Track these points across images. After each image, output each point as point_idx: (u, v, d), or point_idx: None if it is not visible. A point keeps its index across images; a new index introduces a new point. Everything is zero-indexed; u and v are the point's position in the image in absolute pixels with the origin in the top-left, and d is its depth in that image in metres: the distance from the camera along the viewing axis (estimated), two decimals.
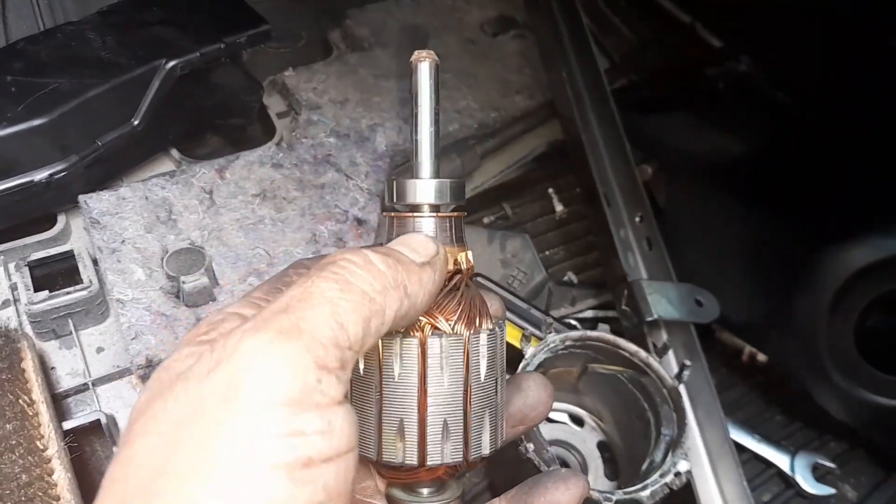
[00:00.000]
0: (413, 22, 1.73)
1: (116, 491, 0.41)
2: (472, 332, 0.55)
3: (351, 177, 1.32)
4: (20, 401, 0.92)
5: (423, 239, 0.54)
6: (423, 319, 0.54)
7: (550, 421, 1.26)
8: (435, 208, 0.57)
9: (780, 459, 1.28)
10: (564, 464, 1.22)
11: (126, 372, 1.13)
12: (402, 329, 0.54)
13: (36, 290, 1.11)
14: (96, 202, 1.20)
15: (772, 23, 1.51)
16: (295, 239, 1.22)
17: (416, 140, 0.57)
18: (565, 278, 1.49)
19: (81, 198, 1.21)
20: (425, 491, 0.58)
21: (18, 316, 1.14)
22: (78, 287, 1.13)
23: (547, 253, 1.51)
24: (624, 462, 1.21)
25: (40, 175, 1.17)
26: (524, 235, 1.42)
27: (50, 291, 1.11)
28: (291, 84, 1.54)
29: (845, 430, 1.28)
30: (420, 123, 0.57)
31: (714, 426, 1.16)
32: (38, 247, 1.23)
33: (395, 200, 0.58)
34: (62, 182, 1.19)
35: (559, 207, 1.58)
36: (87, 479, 0.92)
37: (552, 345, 1.09)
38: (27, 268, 1.14)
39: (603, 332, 1.12)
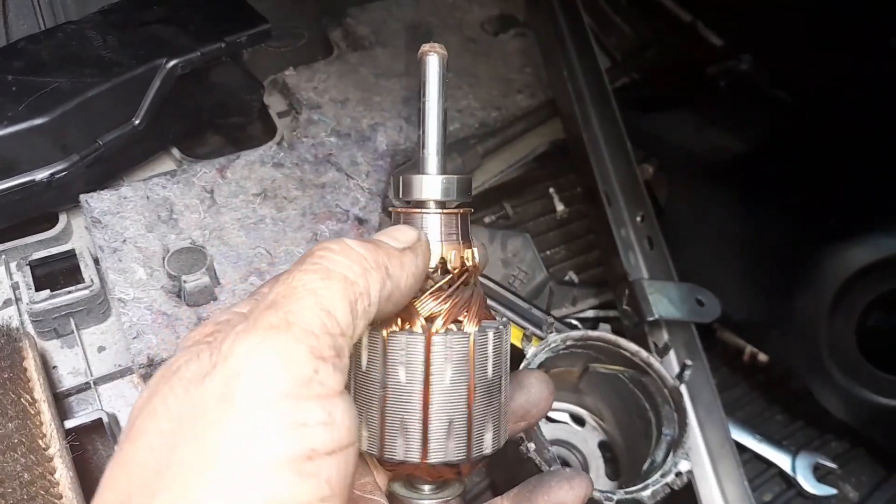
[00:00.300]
0: (414, 21, 1.73)
1: (117, 489, 0.41)
2: (478, 329, 0.55)
3: (352, 176, 1.32)
4: (22, 399, 0.92)
5: (403, 228, 0.55)
6: (428, 313, 0.54)
7: (551, 420, 1.26)
8: (441, 204, 0.57)
9: (781, 459, 1.28)
10: (565, 463, 1.22)
11: (127, 371, 1.13)
12: (396, 315, 0.54)
13: (37, 290, 1.11)
14: (97, 201, 1.21)
15: (772, 22, 1.51)
16: (296, 238, 1.22)
17: (424, 134, 0.57)
18: (566, 278, 1.49)
19: (83, 197, 1.21)
20: (426, 488, 0.58)
21: (20, 315, 1.14)
22: (79, 286, 1.13)
23: (548, 252, 1.51)
24: (625, 462, 1.21)
25: (41, 174, 1.17)
26: (525, 235, 1.42)
27: (51, 291, 1.11)
28: (292, 83, 1.54)
29: (846, 429, 1.28)
30: (428, 118, 0.56)
31: (715, 426, 1.16)
32: (40, 246, 1.23)
33: (400, 196, 0.58)
34: (63, 181, 1.19)
35: (560, 207, 1.58)
36: (89, 478, 0.92)
37: (553, 344, 1.09)
38: (28, 267, 1.14)
39: (604, 332, 1.12)
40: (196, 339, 0.47)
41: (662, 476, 0.97)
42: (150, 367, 1.05)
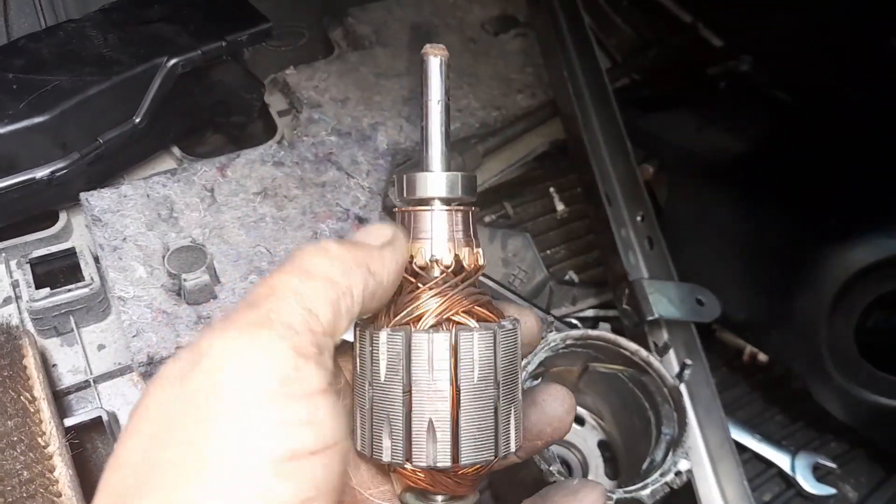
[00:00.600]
0: (414, 20, 1.73)
1: (109, 492, 0.41)
2: (498, 325, 0.54)
3: (352, 175, 1.32)
4: (22, 397, 0.92)
5: (378, 225, 0.54)
6: (434, 311, 0.53)
7: None
8: (446, 202, 0.56)
9: (781, 459, 1.28)
10: (565, 463, 1.22)
11: (127, 369, 1.13)
12: (394, 314, 0.53)
13: (37, 288, 1.11)
14: (98, 200, 1.20)
15: (772, 22, 1.51)
16: (296, 237, 1.22)
17: (427, 133, 0.56)
18: (566, 277, 1.50)
19: (83, 195, 1.21)
20: (440, 498, 0.56)
21: (20, 313, 1.14)
22: (79, 284, 1.13)
23: (548, 252, 1.51)
24: (624, 461, 1.21)
25: (42, 172, 1.17)
26: (525, 234, 1.42)
27: (51, 289, 1.11)
28: (293, 82, 1.54)
29: (846, 429, 1.28)
30: (430, 117, 0.56)
31: (715, 425, 1.16)
32: (40, 244, 1.23)
33: (404, 195, 0.57)
34: (63, 179, 1.19)
35: (560, 206, 1.58)
36: (89, 476, 0.92)
37: (553, 344, 1.09)
38: (29, 265, 1.14)
39: (604, 332, 1.12)
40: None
41: (662, 475, 0.97)
42: (149, 366, 1.05)
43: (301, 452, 0.40)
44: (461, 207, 0.57)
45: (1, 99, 1.14)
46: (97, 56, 1.24)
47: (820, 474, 1.27)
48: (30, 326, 1.12)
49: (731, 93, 1.62)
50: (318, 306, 0.45)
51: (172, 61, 1.26)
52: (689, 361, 1.06)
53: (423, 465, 0.52)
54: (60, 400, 1.07)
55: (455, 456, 0.52)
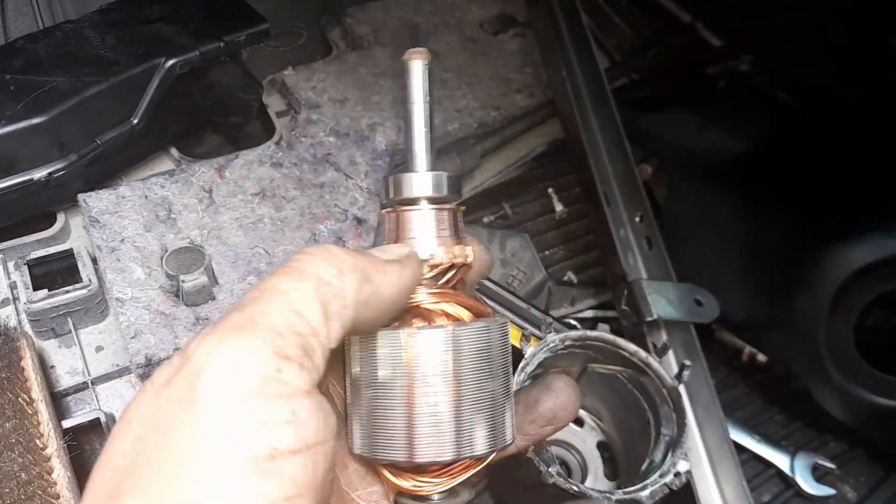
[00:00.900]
0: (413, 20, 1.73)
1: (95, 493, 0.43)
2: (488, 321, 0.55)
3: (350, 176, 1.32)
4: (19, 399, 0.92)
5: (395, 245, 0.56)
6: (434, 308, 0.54)
7: None
8: (432, 201, 0.57)
9: (780, 459, 1.28)
10: (564, 464, 1.22)
11: (125, 371, 1.13)
12: (395, 321, 0.54)
13: (35, 289, 1.11)
14: (95, 201, 1.20)
15: (772, 22, 1.51)
16: (294, 238, 1.22)
17: (411, 135, 0.58)
18: (565, 278, 1.49)
19: (81, 196, 1.21)
20: (436, 497, 0.57)
21: (18, 314, 1.14)
22: (77, 286, 1.13)
23: (546, 252, 1.51)
24: (623, 462, 1.21)
25: (39, 173, 1.17)
26: (524, 235, 1.42)
27: (49, 290, 1.11)
28: (291, 83, 1.54)
29: (845, 429, 1.28)
30: (414, 119, 0.58)
31: (714, 426, 1.16)
32: (38, 245, 1.23)
33: (391, 196, 0.58)
34: (61, 180, 1.19)
35: (559, 207, 1.58)
36: (86, 478, 0.92)
37: (552, 344, 1.09)
38: (26, 266, 1.14)
39: (602, 332, 1.12)
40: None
41: (661, 476, 0.97)
42: (147, 367, 1.05)
43: (281, 452, 0.41)
44: (448, 206, 0.58)
45: None
46: (95, 57, 1.24)
47: (819, 474, 1.27)
48: (28, 328, 1.12)
49: (730, 93, 1.62)
50: (306, 307, 0.45)
51: (170, 62, 1.26)
52: (688, 362, 1.05)
53: (426, 460, 0.53)
54: (58, 401, 1.07)
55: (457, 449, 0.53)
